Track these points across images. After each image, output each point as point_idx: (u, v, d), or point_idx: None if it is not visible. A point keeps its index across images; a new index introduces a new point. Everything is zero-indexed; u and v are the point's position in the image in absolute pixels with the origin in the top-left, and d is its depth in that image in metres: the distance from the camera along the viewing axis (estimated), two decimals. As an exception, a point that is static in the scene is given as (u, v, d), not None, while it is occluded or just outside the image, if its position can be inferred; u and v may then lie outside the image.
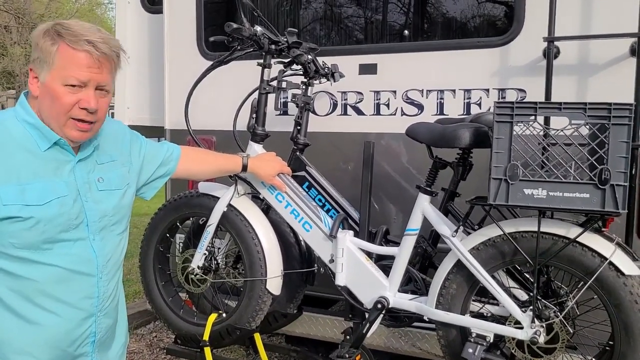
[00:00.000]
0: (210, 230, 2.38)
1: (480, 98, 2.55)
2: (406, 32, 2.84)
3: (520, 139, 1.72)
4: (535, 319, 1.84)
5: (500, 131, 1.73)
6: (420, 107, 2.66)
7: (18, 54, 23.00)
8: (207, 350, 2.40)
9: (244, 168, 2.16)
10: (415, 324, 2.34)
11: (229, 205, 2.35)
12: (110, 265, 1.54)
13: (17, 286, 1.40)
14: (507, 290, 1.94)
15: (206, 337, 2.39)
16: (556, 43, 2.30)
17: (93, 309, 1.50)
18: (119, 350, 1.68)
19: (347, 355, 2.12)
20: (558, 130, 1.73)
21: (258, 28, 2.22)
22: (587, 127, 1.71)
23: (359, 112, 2.79)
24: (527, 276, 2.01)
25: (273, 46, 2.26)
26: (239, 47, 2.27)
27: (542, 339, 1.84)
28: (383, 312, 2.13)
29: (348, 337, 2.26)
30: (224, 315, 2.45)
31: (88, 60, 1.39)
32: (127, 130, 1.70)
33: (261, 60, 2.34)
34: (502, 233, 1.87)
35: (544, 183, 1.70)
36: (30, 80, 1.42)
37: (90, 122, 1.43)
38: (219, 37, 2.25)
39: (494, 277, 1.93)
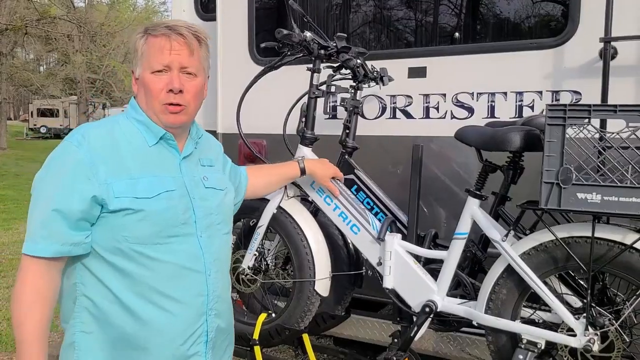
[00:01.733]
0: (260, 231, 2.43)
1: (533, 101, 2.50)
2: (456, 34, 2.82)
3: (574, 142, 1.68)
4: (589, 327, 1.79)
5: (552, 134, 1.70)
6: (471, 110, 2.63)
7: (79, 62, 24.04)
8: (257, 349, 2.45)
9: (302, 171, 2.18)
10: (465, 329, 2.33)
11: (279, 208, 2.39)
12: (218, 264, 1.57)
13: (133, 284, 1.44)
14: (559, 296, 1.90)
15: (256, 335, 2.44)
16: (613, 43, 2.23)
17: (204, 307, 1.53)
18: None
19: (394, 358, 2.12)
20: (614, 133, 1.68)
21: (308, 33, 2.25)
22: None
23: (408, 115, 2.78)
24: (581, 282, 1.96)
25: (322, 51, 2.29)
26: (289, 53, 2.32)
27: (596, 348, 1.79)
28: (431, 315, 2.12)
29: (396, 340, 2.26)
30: (274, 315, 2.49)
31: (167, 43, 1.47)
32: (218, 142, 1.83)
33: (311, 65, 2.37)
34: (555, 238, 1.83)
35: (598, 187, 1.65)
36: (133, 81, 1.56)
37: (179, 105, 1.50)
38: (269, 43, 2.31)
39: (545, 283, 1.89)
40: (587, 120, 1.66)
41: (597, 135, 1.72)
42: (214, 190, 1.60)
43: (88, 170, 1.40)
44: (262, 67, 2.50)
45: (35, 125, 34.10)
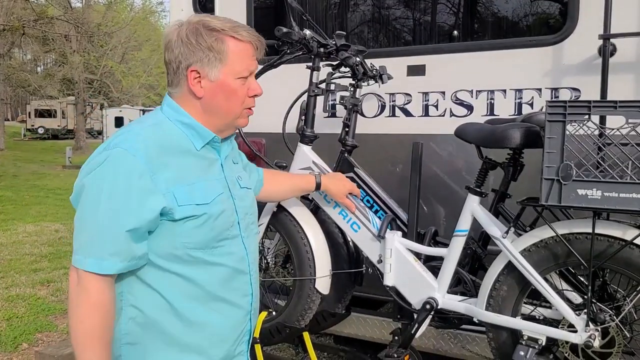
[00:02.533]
0: (260, 230, 2.43)
1: (532, 98, 2.50)
2: (455, 32, 2.82)
3: (574, 139, 1.69)
4: (590, 323, 1.80)
5: (552, 130, 1.70)
6: (470, 108, 2.64)
7: (77, 62, 24.00)
8: (258, 347, 2.45)
9: (318, 186, 2.15)
10: (465, 326, 2.33)
11: (279, 206, 2.39)
12: (255, 264, 1.58)
13: (189, 290, 1.41)
14: (560, 292, 1.90)
15: (257, 334, 2.44)
16: (612, 40, 2.24)
17: (249, 306, 1.54)
18: None
19: (395, 355, 2.12)
20: (614, 129, 1.68)
21: (307, 32, 2.25)
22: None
23: (407, 113, 2.78)
24: (581, 279, 1.97)
25: (322, 49, 2.29)
26: (288, 51, 2.32)
27: (597, 343, 1.80)
28: (432, 313, 2.12)
29: (396, 337, 2.26)
30: (274, 313, 2.49)
31: (252, 50, 1.46)
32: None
33: (310, 64, 2.37)
34: (555, 235, 1.83)
35: (599, 183, 1.66)
36: (191, 82, 1.42)
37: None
38: (268, 41, 2.30)
39: (546, 280, 1.90)
40: (587, 116, 1.66)
41: (597, 132, 1.72)
42: (247, 190, 1.59)
43: (150, 180, 1.33)
44: (261, 66, 2.50)
45: (33, 125, 34.07)
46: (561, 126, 1.68)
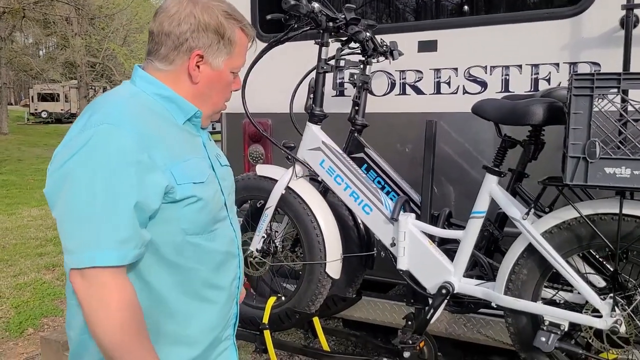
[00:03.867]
0: (268, 213, 2.35)
1: (550, 73, 2.40)
2: (467, 6, 2.71)
3: (602, 114, 1.59)
4: (616, 307, 1.72)
5: (578, 105, 1.60)
6: (484, 85, 2.53)
7: (78, 45, 23.84)
8: (267, 333, 2.39)
9: None
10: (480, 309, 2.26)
11: (287, 188, 2.31)
12: (241, 245, 1.49)
13: (182, 279, 1.30)
14: (583, 276, 1.82)
15: (265, 319, 2.39)
16: (636, 11, 2.13)
17: (236, 290, 1.46)
18: None
19: (410, 342, 2.06)
20: (641, 103, 1.59)
21: (315, 4, 2.15)
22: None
23: (419, 91, 2.69)
24: (603, 261, 1.89)
25: (331, 23, 2.19)
26: (295, 26, 2.22)
27: (623, 329, 1.72)
28: (447, 297, 2.05)
29: (410, 322, 2.20)
30: (283, 298, 2.43)
31: (248, 44, 1.38)
32: None
33: (318, 39, 2.27)
34: (579, 215, 1.75)
35: (628, 161, 1.56)
36: (191, 65, 1.29)
37: None
38: (276, 15, 2.21)
39: (568, 263, 1.82)
40: (616, 90, 1.56)
41: (624, 107, 1.62)
42: (227, 168, 1.49)
43: (148, 157, 1.19)
44: (266, 44, 2.40)
45: (36, 110, 33.99)
46: (588, 100, 1.58)
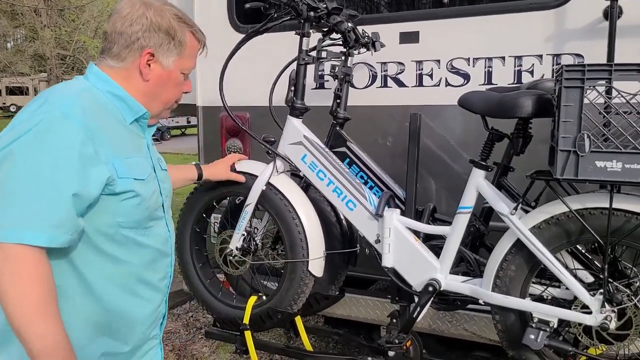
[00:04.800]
0: (248, 210, 2.27)
1: (533, 65, 2.37)
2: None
3: (592, 106, 1.55)
4: (606, 303, 1.69)
5: (569, 98, 1.56)
6: (467, 77, 2.49)
7: (48, 37, 23.26)
8: (248, 334, 2.32)
9: (200, 177, 2.19)
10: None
11: (268, 184, 2.24)
12: (174, 246, 1.57)
13: (116, 272, 1.36)
14: (571, 272, 1.79)
15: (246, 320, 2.31)
16: (620, 2, 2.10)
17: (165, 289, 1.52)
18: None
19: (397, 341, 2.00)
20: (633, 95, 1.55)
21: (296, -7, 2.07)
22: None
23: (400, 83, 2.63)
24: (591, 257, 1.86)
25: (312, 13, 2.11)
26: (275, 15, 2.14)
27: (613, 325, 1.70)
28: (434, 295, 2.00)
29: (395, 320, 2.15)
30: (264, 298, 2.36)
31: (199, 50, 1.50)
32: None
33: (299, 30, 2.19)
34: (568, 210, 1.71)
35: (619, 155, 1.53)
36: (142, 63, 1.38)
37: None
38: (255, 4, 2.12)
39: (556, 258, 1.78)
40: (608, 81, 1.52)
41: (617, 99, 1.59)
42: (166, 173, 1.57)
43: (93, 149, 1.24)
44: (243, 35, 2.32)
45: (4, 103, 33.17)
46: (579, 92, 1.54)
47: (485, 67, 2.46)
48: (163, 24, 1.38)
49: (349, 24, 2.21)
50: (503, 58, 2.42)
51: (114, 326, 1.38)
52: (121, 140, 1.35)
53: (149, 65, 1.38)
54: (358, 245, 2.40)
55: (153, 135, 1.56)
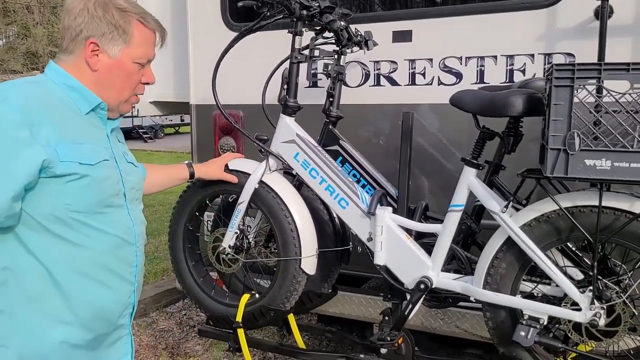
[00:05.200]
0: (241, 208, 2.28)
1: (525, 64, 2.38)
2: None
3: (582, 105, 1.56)
4: (595, 300, 1.71)
5: (559, 96, 1.58)
6: (459, 76, 2.51)
7: (40, 35, 23.13)
8: (241, 332, 2.33)
9: (192, 175, 2.19)
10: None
11: (261, 182, 2.24)
12: (142, 237, 1.58)
13: (74, 258, 1.38)
14: (561, 269, 1.81)
15: (239, 318, 2.32)
16: (610, 1, 2.12)
17: (132, 278, 1.52)
18: None
19: (389, 339, 2.02)
20: (622, 94, 1.56)
21: (289, -9, 2.08)
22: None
23: (393, 82, 2.64)
24: (580, 254, 1.88)
25: (304, 11, 2.11)
26: (268, 13, 2.14)
27: (602, 322, 1.71)
28: (426, 292, 2.02)
29: (387, 318, 2.16)
30: (257, 295, 2.36)
31: (155, 39, 1.50)
32: None
33: (292, 28, 2.20)
34: (558, 208, 1.72)
35: (608, 153, 1.54)
36: (88, 54, 1.42)
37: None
38: (248, 2, 2.12)
39: (547, 256, 1.80)
40: (597, 80, 1.54)
41: (604, 98, 1.60)
42: (133, 166, 1.59)
43: (29, 133, 1.28)
44: (236, 33, 2.32)
45: (-4, 102, 32.95)
46: (569, 91, 1.56)
47: (477, 66, 2.48)
48: (105, 14, 1.41)
49: (342, 23, 2.22)
50: (495, 57, 2.44)
51: (78, 314, 1.39)
52: (72, 127, 1.38)
53: (97, 55, 1.42)
54: (351, 243, 2.41)
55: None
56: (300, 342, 2.47)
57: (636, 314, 1.73)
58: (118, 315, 1.50)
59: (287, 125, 2.25)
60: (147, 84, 1.53)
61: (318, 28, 2.24)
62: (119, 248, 1.47)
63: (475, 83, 2.47)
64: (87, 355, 1.44)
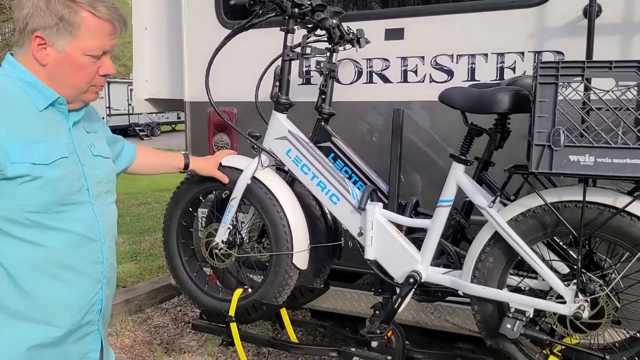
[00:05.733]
0: (234, 203, 2.31)
1: (515, 62, 2.42)
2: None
3: (566, 102, 1.60)
4: (579, 293, 1.74)
5: (543, 94, 1.61)
6: (450, 73, 2.54)
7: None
8: (234, 326, 2.35)
9: (186, 166, 2.20)
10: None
11: (253, 178, 2.27)
12: (109, 232, 1.54)
13: (31, 257, 1.36)
14: (547, 263, 1.84)
15: (232, 312, 2.34)
16: (599, 0, 2.15)
17: (99, 275, 1.50)
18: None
19: (378, 332, 2.05)
20: (606, 91, 1.59)
21: (280, -11, 2.10)
22: (637, 88, 1.59)
23: (385, 79, 2.67)
24: (566, 248, 1.91)
25: (296, 9, 2.14)
26: (260, 12, 2.16)
27: (586, 314, 1.75)
28: (415, 286, 2.05)
29: (378, 312, 2.19)
30: (250, 290, 2.39)
31: (111, 29, 1.42)
32: (97, 110, 1.71)
33: (284, 27, 2.22)
34: (544, 203, 1.76)
35: (592, 149, 1.58)
36: (34, 47, 1.37)
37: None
38: (240, 0, 2.15)
39: (533, 250, 1.83)
40: (580, 77, 1.57)
41: (588, 95, 1.63)
42: (101, 159, 1.55)
43: None
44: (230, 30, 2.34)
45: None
46: (553, 89, 1.59)
47: (468, 64, 2.51)
48: (48, 5, 1.35)
49: (334, 21, 2.24)
50: (486, 55, 2.47)
51: (38, 312, 1.38)
52: (25, 125, 1.35)
53: (44, 49, 1.37)
54: (343, 239, 2.44)
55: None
56: (292, 337, 2.50)
57: (619, 306, 1.76)
58: (85, 311, 1.47)
59: (279, 122, 2.28)
60: (106, 75, 1.46)
61: (310, 26, 2.27)
62: (81, 246, 1.43)
63: (467, 80, 2.50)
64: (54, 351, 1.42)
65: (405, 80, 2.63)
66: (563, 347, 1.87)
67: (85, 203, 1.44)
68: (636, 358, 1.78)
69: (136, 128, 20.50)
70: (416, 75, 2.61)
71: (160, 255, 5.14)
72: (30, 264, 1.36)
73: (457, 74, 2.52)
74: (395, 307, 2.05)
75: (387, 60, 2.65)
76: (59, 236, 1.38)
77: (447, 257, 2.08)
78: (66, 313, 1.43)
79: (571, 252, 1.88)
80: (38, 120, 1.38)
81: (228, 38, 2.31)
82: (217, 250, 2.38)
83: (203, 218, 2.68)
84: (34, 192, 1.32)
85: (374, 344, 2.14)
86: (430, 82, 2.58)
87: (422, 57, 2.59)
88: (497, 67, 2.46)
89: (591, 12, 2.13)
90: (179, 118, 20.38)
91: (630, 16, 2.20)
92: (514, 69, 2.42)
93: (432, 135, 2.61)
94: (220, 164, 2.33)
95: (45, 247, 1.37)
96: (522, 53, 2.40)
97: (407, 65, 2.62)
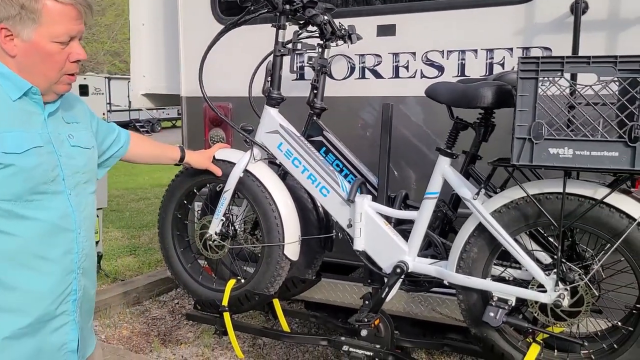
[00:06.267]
0: (226, 196, 2.36)
1: (504, 58, 2.46)
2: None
3: (546, 97, 1.64)
4: (559, 282, 1.79)
5: (524, 88, 1.65)
6: (441, 69, 2.58)
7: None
8: (227, 316, 2.41)
9: (181, 159, 2.22)
10: (435, 289, 2.32)
11: (246, 171, 2.32)
12: (86, 223, 1.53)
13: (2, 247, 1.36)
14: (529, 253, 1.89)
15: (225, 302, 2.40)
16: (585, -2, 2.20)
17: (73, 265, 1.48)
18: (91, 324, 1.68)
19: (366, 320, 2.10)
20: (586, 86, 1.64)
21: (271, -13, 2.15)
22: (617, 83, 1.63)
23: (377, 75, 2.72)
24: (551, 239, 1.96)
25: (287, 6, 2.19)
26: (252, 8, 2.21)
27: (565, 303, 1.80)
28: (402, 276, 2.10)
29: (367, 302, 2.24)
30: (243, 281, 2.44)
31: (75, 13, 1.39)
32: (82, 99, 1.70)
33: (276, 23, 2.27)
34: (526, 195, 1.81)
35: (570, 142, 1.62)
36: (2, 39, 1.36)
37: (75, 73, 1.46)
38: (231, -3, 2.19)
39: (516, 240, 1.88)
40: (560, 73, 1.61)
41: (568, 90, 1.68)
42: (79, 149, 1.54)
43: None
44: (223, 26, 2.39)
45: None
46: (534, 83, 1.63)
47: (458, 60, 2.55)
48: None
49: (325, 17, 2.29)
50: (475, 51, 2.51)
51: (8, 299, 1.38)
52: None
53: (12, 40, 1.36)
54: (334, 231, 2.49)
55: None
56: (285, 326, 2.55)
57: (599, 295, 1.81)
58: (59, 301, 1.46)
59: (271, 116, 2.33)
60: (78, 61, 1.44)
61: (302, 22, 2.31)
62: (53, 235, 1.43)
63: (457, 76, 2.54)
64: (30, 342, 1.42)
65: (397, 75, 2.68)
66: (546, 335, 1.92)
67: (61, 193, 1.44)
68: (615, 345, 1.83)
69: (136, 124, 20.60)
70: (407, 71, 2.65)
71: (158, 250, 5.19)
72: (0, 253, 1.36)
73: (447, 70, 2.57)
74: (383, 296, 2.11)
75: (379, 56, 2.70)
76: (30, 225, 1.38)
77: (434, 249, 2.13)
78: (37, 302, 1.42)
79: (554, 243, 1.92)
80: (11, 111, 1.38)
81: (220, 34, 2.35)
82: (210, 242, 2.43)
83: (199, 211, 2.73)
84: (5, 180, 1.33)
85: (364, 332, 2.19)
86: (422, 77, 2.62)
87: (414, 53, 2.63)
88: (486, 63, 2.50)
89: (577, 9, 2.17)
90: (179, 114, 20.43)
91: (616, 13, 2.24)
92: (503, 65, 2.46)
93: (424, 130, 2.66)
94: (214, 157, 2.38)
95: (16, 235, 1.37)
96: (511, 49, 2.44)
97: (398, 61, 2.67)
